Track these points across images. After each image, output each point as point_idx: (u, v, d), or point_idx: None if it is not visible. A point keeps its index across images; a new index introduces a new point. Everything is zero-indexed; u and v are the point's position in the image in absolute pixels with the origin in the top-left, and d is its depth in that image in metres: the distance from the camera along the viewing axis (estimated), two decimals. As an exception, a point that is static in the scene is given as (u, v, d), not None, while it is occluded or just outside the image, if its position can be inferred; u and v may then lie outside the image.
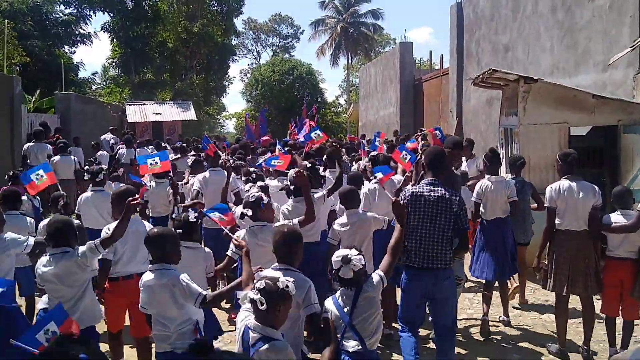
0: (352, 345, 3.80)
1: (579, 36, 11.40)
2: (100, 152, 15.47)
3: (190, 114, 26.57)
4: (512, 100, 9.20)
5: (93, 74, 37.49)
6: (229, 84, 53.59)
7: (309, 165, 6.66)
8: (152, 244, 4.13)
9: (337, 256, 3.87)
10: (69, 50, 31.29)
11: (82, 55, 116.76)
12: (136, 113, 25.40)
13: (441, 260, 4.67)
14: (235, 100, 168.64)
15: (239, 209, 5.58)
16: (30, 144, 12.60)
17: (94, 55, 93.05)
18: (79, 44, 29.62)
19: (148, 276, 4.07)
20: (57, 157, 12.34)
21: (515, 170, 7.43)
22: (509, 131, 9.34)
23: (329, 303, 3.97)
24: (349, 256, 3.80)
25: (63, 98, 18.82)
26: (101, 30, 31.44)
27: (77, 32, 28.95)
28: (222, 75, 43.81)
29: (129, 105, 26.36)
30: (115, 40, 31.81)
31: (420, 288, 4.73)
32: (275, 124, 36.89)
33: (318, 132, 9.55)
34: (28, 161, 11.98)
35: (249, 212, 5.08)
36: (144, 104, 26.64)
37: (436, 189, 4.73)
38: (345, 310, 3.84)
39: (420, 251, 4.70)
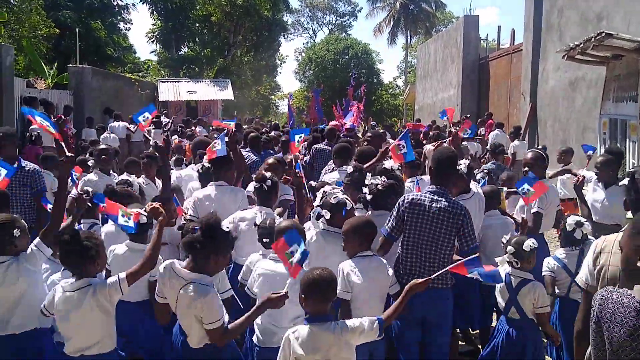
0: (579, 296, 4.08)
1: None
2: (105, 135, 13.47)
3: (228, 93, 24.32)
4: (625, 79, 6.42)
5: (151, 52, 35.78)
6: (281, 63, 51.74)
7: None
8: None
9: (571, 220, 4.66)
10: (124, 27, 29.73)
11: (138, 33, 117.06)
12: (169, 91, 23.32)
13: (440, 279, 4.11)
14: (291, 80, 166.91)
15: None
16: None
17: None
18: (116, 17, 27.78)
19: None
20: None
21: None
22: (619, 123, 6.55)
23: (552, 261, 4.80)
24: (581, 221, 4.64)
25: (76, 72, 16.68)
26: (140, 1, 29.54)
27: (114, 4, 27.07)
28: (273, 53, 41.89)
29: (162, 82, 24.34)
30: (154, 12, 29.89)
31: (413, 309, 4.06)
32: (329, 106, 34.79)
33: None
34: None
35: (327, 215, 4.46)
36: (178, 82, 24.60)
37: (440, 199, 4.20)
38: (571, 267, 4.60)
39: (416, 267, 4.23)
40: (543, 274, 4.77)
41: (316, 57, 41.37)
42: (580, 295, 4.60)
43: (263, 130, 12.92)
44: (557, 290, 4.79)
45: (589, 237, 4.73)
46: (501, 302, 4.53)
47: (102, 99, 18.04)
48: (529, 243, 4.36)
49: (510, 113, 18.11)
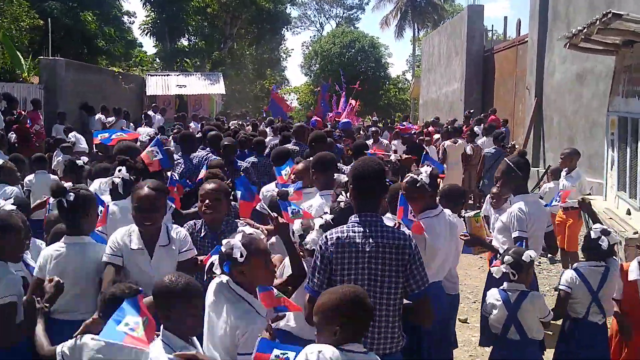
0: (598, 318, 4.19)
1: None
2: (73, 134, 12.50)
3: (219, 87, 23.25)
4: (637, 71, 5.28)
5: (155, 46, 34.84)
6: (286, 57, 50.74)
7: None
8: None
9: (595, 227, 4.16)
10: (128, 20, 28.73)
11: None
12: (158, 85, 22.31)
13: (387, 341, 3.03)
14: (297, 74, 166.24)
15: None
16: None
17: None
18: (110, 8, 26.71)
19: None
20: None
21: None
22: (630, 123, 5.42)
23: (572, 274, 4.23)
24: (608, 229, 4.11)
25: (48, 65, 15.62)
26: (132, -8, 28.64)
27: (103, -6, 25.98)
28: (276, 46, 40.79)
29: (151, 76, 23.33)
30: (147, 4, 28.89)
31: None
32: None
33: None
34: None
35: (217, 270, 3.01)
36: (167, 75, 23.57)
37: (374, 230, 3.02)
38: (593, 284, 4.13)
39: None
40: (559, 287, 4.27)
41: (322, 51, 40.69)
42: (600, 318, 4.12)
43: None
44: (571, 311, 4.27)
45: (615, 255, 4.29)
46: (497, 325, 4.01)
47: (85, 94, 17.01)
48: (529, 254, 3.92)
49: (516, 108, 16.95)
